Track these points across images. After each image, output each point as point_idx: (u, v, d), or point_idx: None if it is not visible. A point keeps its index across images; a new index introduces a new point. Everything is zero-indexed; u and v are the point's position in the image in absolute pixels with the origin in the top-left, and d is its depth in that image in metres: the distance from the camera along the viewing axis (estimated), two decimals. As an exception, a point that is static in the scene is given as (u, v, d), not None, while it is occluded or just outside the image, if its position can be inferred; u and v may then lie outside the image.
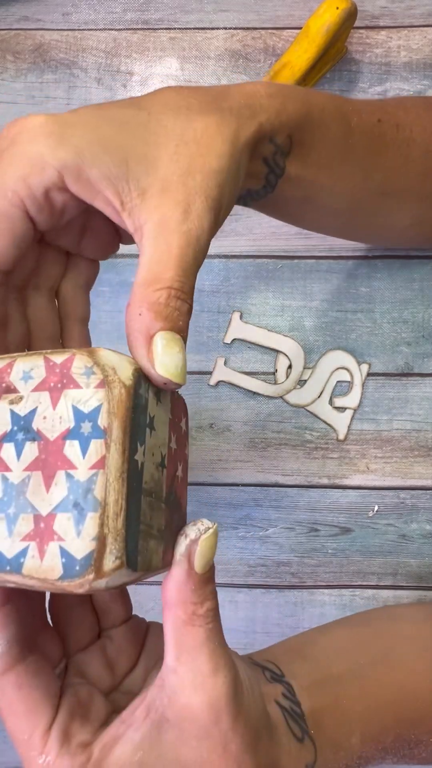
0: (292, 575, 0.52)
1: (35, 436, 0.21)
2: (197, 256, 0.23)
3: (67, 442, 0.21)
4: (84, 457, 0.20)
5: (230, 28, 0.51)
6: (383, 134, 0.34)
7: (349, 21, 0.46)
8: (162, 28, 0.51)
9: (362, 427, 0.52)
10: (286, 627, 0.53)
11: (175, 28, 0.51)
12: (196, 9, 0.51)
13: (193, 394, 0.52)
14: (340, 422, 0.51)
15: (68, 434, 0.21)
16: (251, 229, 0.51)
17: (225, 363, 0.51)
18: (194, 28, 0.51)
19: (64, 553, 0.20)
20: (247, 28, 0.50)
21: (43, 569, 0.20)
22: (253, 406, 0.52)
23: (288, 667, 0.29)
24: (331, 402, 0.51)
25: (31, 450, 0.21)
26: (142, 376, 0.23)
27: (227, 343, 0.51)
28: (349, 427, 0.51)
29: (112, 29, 0.51)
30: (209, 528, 0.23)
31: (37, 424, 0.21)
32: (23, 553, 0.20)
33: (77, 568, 0.20)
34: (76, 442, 0.21)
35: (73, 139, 0.22)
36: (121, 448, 0.21)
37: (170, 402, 0.26)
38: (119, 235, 0.28)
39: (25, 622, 0.23)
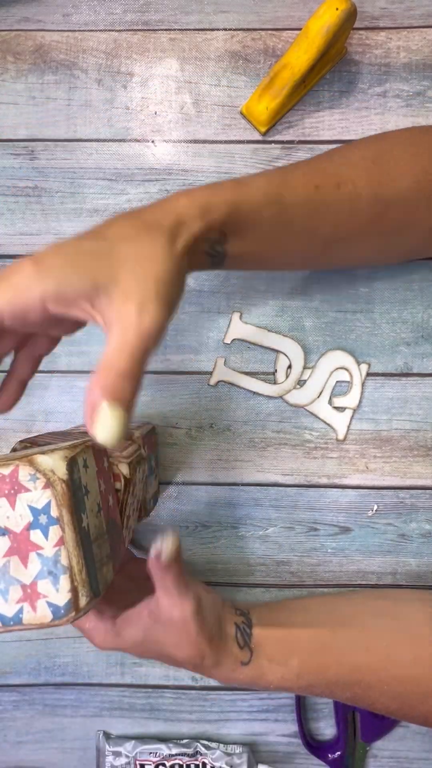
0: (291, 574, 0.53)
1: (4, 531, 0.30)
2: (148, 346, 0.30)
3: (31, 531, 0.30)
4: (47, 540, 0.29)
5: (230, 29, 0.51)
6: (323, 198, 0.38)
7: (348, 22, 0.46)
8: (162, 29, 0.51)
9: (362, 426, 0.52)
10: (286, 626, 0.53)
11: (175, 29, 0.51)
12: (196, 10, 0.51)
13: (193, 394, 0.52)
14: (340, 422, 0.51)
15: (30, 526, 0.30)
16: (251, 230, 0.51)
17: (225, 363, 0.51)
18: (194, 29, 0.51)
19: (50, 605, 0.30)
20: (247, 29, 0.51)
21: (38, 618, 0.30)
22: (253, 406, 0.52)
23: (255, 611, 0.44)
24: (330, 402, 0.51)
25: (3, 542, 0.30)
26: (74, 461, 0.31)
27: (227, 344, 0.51)
28: (348, 426, 0.51)
29: (112, 30, 0.51)
30: (171, 538, 0.37)
31: (2, 522, 0.30)
32: (20, 611, 0.30)
33: (62, 611, 0.30)
34: (38, 531, 0.30)
35: (53, 271, 0.29)
36: (72, 526, 0.30)
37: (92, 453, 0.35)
38: (84, 322, 0.34)
39: None
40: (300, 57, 0.46)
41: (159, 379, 0.52)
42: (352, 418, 0.51)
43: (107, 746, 0.52)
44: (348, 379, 0.51)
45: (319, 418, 0.52)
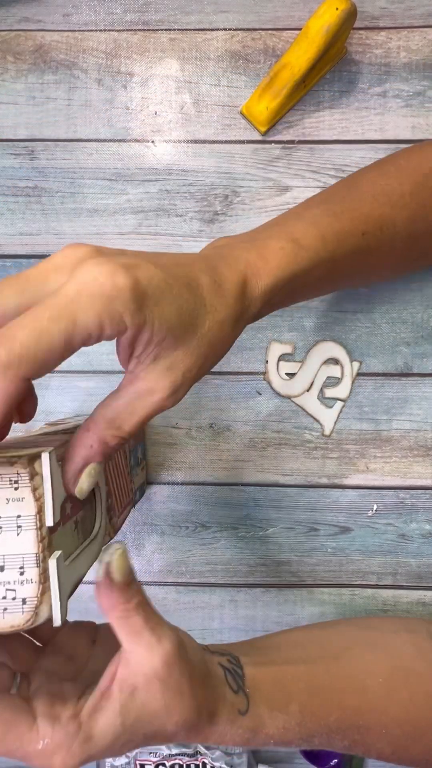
0: (291, 574, 0.53)
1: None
2: (155, 414, 0.28)
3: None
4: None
5: (230, 29, 0.51)
6: (368, 244, 0.37)
7: (348, 21, 0.46)
8: (162, 29, 0.51)
9: (361, 426, 0.52)
10: (286, 625, 0.53)
11: (175, 29, 0.51)
12: (196, 10, 0.51)
13: (193, 394, 0.52)
14: (327, 417, 0.51)
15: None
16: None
17: None
18: (194, 29, 0.51)
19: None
20: (247, 29, 0.51)
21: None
22: (253, 406, 0.52)
23: (239, 651, 0.35)
24: (321, 393, 0.51)
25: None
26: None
27: None
28: (335, 422, 0.51)
29: (112, 30, 0.51)
30: (118, 549, 0.29)
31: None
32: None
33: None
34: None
35: (156, 310, 0.26)
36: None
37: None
38: None
39: None
40: (300, 57, 0.46)
41: (159, 379, 0.52)
42: (340, 413, 0.51)
43: (107, 746, 0.52)
44: (339, 375, 0.51)
45: (306, 412, 0.51)
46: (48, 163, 0.51)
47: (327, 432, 0.52)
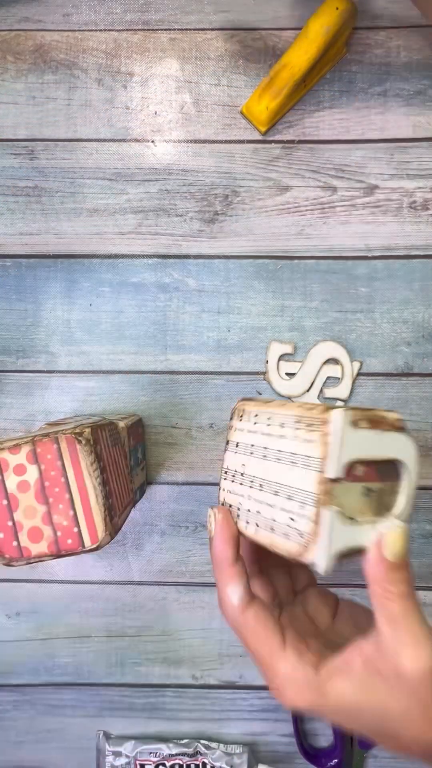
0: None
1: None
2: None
3: None
4: None
5: (230, 29, 0.51)
6: None
7: (349, 21, 0.46)
8: (162, 29, 0.51)
9: (362, 427, 0.52)
10: (286, 626, 0.53)
11: (175, 29, 0.51)
12: (196, 10, 0.51)
13: (193, 394, 0.52)
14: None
15: None
16: (251, 230, 0.51)
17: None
18: (194, 29, 0.51)
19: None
20: (247, 29, 0.51)
21: None
22: (253, 406, 0.52)
23: None
24: (321, 393, 0.51)
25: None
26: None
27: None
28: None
29: (112, 30, 0.51)
30: (399, 526, 0.28)
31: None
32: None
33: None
34: None
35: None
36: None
37: None
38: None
39: (246, 574, 0.32)
40: (300, 57, 0.46)
41: (159, 379, 0.52)
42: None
43: (107, 746, 0.52)
44: (339, 375, 0.51)
45: None
46: (48, 163, 0.51)
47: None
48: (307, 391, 0.51)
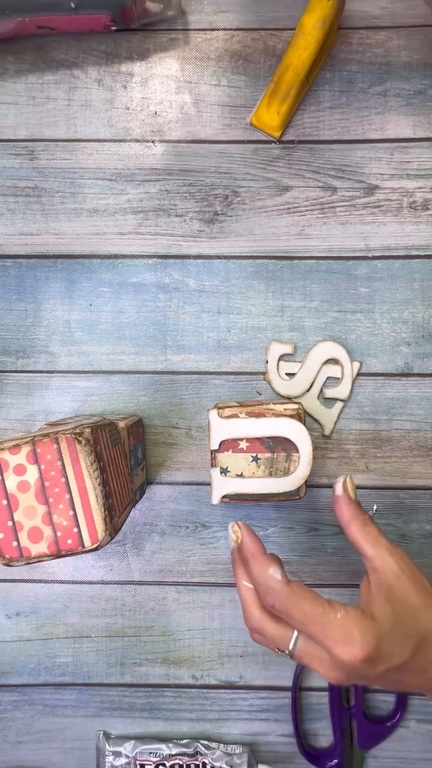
0: (291, 574, 0.52)
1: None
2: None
3: None
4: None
5: (230, 29, 0.51)
6: None
7: (340, 8, 0.46)
8: (162, 29, 0.51)
9: (362, 426, 0.52)
10: (286, 626, 0.53)
11: (175, 29, 0.51)
12: (196, 10, 0.51)
13: (193, 394, 0.52)
14: (327, 418, 0.51)
15: None
16: (251, 230, 0.51)
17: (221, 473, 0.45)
18: (194, 29, 0.51)
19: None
20: (247, 29, 0.51)
21: None
22: (253, 406, 0.52)
23: None
24: (321, 393, 0.51)
25: None
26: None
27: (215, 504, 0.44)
28: (335, 423, 0.51)
29: (112, 30, 0.51)
30: (347, 475, 0.38)
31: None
32: None
33: None
34: None
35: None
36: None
37: None
38: None
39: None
40: (301, 55, 0.46)
41: (159, 379, 0.52)
42: (340, 414, 0.51)
43: (107, 746, 0.52)
44: (339, 375, 0.51)
45: (306, 413, 0.51)
46: (48, 163, 0.51)
47: (327, 432, 0.51)
48: (307, 391, 0.51)
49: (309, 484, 0.52)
